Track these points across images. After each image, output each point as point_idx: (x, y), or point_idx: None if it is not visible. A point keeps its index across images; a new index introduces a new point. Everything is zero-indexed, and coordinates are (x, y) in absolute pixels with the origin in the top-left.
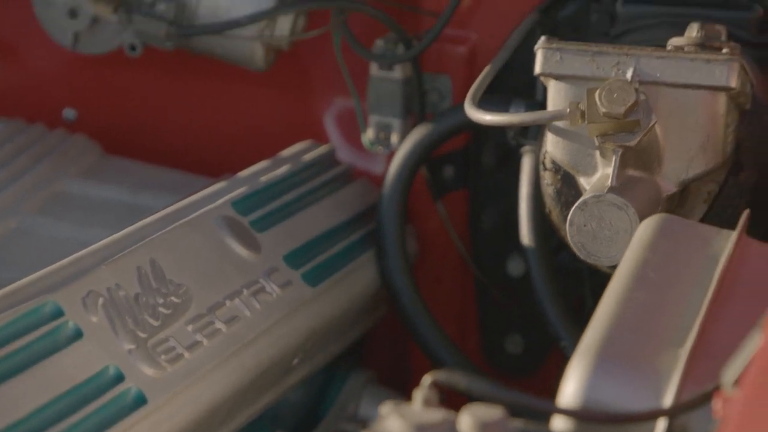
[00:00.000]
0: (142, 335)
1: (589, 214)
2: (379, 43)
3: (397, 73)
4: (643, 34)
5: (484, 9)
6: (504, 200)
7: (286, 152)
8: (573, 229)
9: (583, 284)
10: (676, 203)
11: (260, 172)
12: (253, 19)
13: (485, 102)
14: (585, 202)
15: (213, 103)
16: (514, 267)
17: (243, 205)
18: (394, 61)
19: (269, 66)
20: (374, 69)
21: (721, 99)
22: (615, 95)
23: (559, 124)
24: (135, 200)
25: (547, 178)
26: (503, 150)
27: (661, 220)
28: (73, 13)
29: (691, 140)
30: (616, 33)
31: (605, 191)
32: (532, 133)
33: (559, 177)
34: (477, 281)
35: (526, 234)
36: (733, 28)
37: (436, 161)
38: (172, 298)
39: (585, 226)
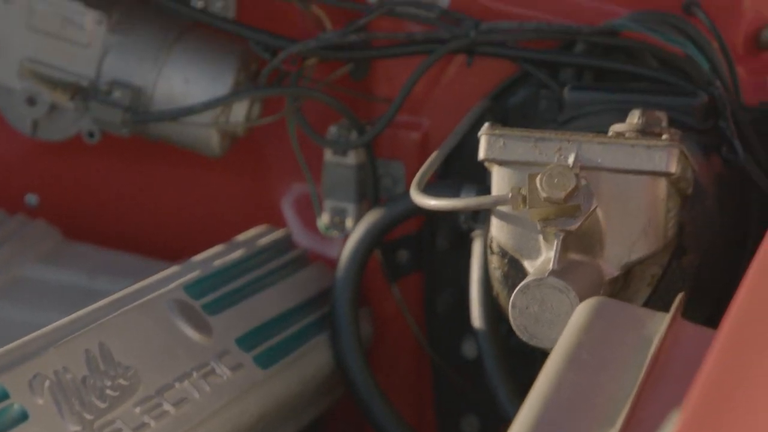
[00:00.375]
0: (89, 417)
1: (531, 297)
2: (332, 130)
3: (351, 158)
4: (590, 120)
5: (436, 96)
6: (458, 283)
7: (241, 237)
8: (515, 312)
9: (536, 366)
10: (620, 286)
11: (214, 257)
12: (207, 105)
13: (437, 187)
14: (527, 285)
15: (171, 189)
16: (469, 349)
17: (195, 288)
18: (348, 147)
19: (224, 152)
20: (328, 155)
21: (662, 184)
22: (555, 180)
23: (503, 208)
24: (92, 285)
25: (494, 261)
26: (456, 234)
27: (597, 303)
28: (31, 101)
29: (633, 225)
30: (563, 119)
31: (547, 274)
32: (483, 218)
33: (505, 261)
34: (433, 363)
35: (477, 317)
36: (678, 115)
37: (391, 245)
38: (120, 380)
39: (527, 308)
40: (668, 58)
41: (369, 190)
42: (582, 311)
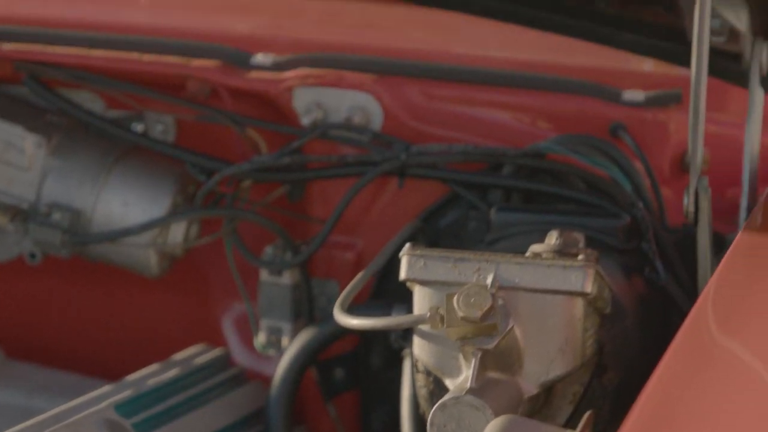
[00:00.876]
0: None
1: (449, 415)
2: (268, 250)
3: (286, 278)
4: (516, 240)
5: (370, 217)
6: (392, 401)
7: (178, 356)
8: (434, 430)
9: None
10: (541, 404)
11: (149, 376)
12: (144, 227)
13: (368, 307)
14: (444, 404)
15: (112, 308)
16: None
17: (127, 407)
18: (283, 267)
19: (163, 272)
20: (264, 275)
21: (578, 303)
22: (472, 300)
23: (424, 327)
24: (30, 404)
25: (420, 380)
26: (390, 352)
27: (506, 422)
28: None
29: (550, 343)
30: (490, 240)
31: (464, 393)
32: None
33: (430, 379)
34: None
35: None
36: (601, 236)
37: (327, 363)
38: None
39: (445, 426)
40: (593, 180)
41: (304, 310)
42: (490, 430)
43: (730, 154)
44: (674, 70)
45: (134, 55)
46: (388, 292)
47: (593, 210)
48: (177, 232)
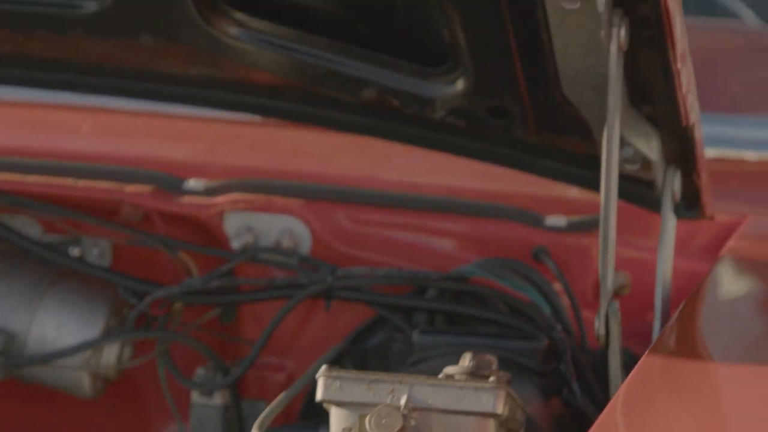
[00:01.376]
0: None
1: None
2: (200, 372)
3: (217, 399)
4: (437, 362)
5: (301, 338)
6: None
7: None
8: None
9: None
10: None
11: None
12: (77, 349)
13: (293, 427)
14: None
15: (48, 430)
16: None
17: None
18: (213, 388)
19: (97, 393)
20: (195, 396)
21: (490, 424)
22: (383, 421)
23: None
24: None
25: None
26: None
27: None
28: None
29: None
30: (412, 361)
31: None
32: None
33: None
34: None
35: None
36: (520, 357)
37: None
38: None
39: None
40: (513, 303)
41: (235, 431)
42: None
43: (652, 278)
44: (598, 197)
45: (69, 181)
46: (316, 412)
47: (513, 332)
48: (110, 354)
